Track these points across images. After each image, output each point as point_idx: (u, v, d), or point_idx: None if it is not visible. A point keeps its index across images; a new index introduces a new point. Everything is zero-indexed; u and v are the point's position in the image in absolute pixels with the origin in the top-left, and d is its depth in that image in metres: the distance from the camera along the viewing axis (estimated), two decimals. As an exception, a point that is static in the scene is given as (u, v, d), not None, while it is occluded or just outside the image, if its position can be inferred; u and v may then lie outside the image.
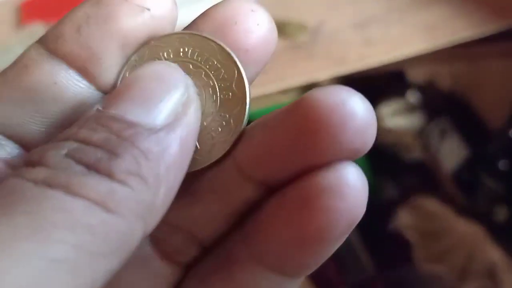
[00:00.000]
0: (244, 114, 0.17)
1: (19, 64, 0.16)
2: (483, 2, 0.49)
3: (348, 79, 0.50)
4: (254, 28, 0.16)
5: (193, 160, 0.16)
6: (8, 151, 0.16)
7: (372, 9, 0.51)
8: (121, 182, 0.13)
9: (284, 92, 0.50)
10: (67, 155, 0.13)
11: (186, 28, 0.18)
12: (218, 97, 0.17)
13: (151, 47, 0.17)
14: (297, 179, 0.15)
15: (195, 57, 0.17)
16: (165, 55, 0.17)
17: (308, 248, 0.16)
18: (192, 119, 0.15)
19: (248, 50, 0.17)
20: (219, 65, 0.17)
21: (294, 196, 0.15)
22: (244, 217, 0.17)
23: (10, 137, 0.16)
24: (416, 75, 0.64)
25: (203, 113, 0.17)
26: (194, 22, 0.17)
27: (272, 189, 0.17)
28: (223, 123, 0.17)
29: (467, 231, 0.56)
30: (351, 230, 0.15)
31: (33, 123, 0.16)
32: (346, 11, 0.52)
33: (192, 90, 0.16)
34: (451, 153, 0.62)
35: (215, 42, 0.17)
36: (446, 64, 0.61)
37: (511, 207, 0.57)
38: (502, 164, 0.57)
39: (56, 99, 0.16)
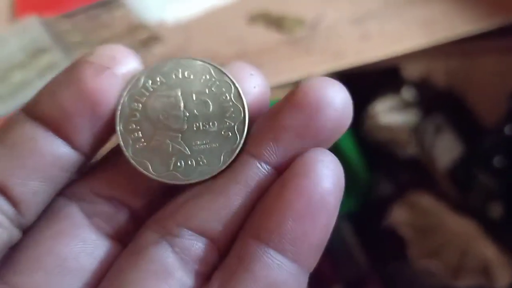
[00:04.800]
0: (245, 123, 0.19)
1: (5, 125, 0.18)
2: (480, -2, 0.50)
3: (343, 76, 0.50)
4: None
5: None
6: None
7: (369, 4, 0.51)
8: None
9: (281, 86, 0.50)
10: None
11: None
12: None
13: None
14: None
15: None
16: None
17: (304, 218, 0.17)
18: None
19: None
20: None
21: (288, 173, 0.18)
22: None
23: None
24: (411, 71, 0.64)
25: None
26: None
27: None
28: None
29: (461, 227, 0.56)
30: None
31: (15, 177, 0.18)
32: (344, 6, 0.52)
33: None
34: (446, 149, 0.62)
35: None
36: (441, 60, 0.61)
37: (506, 203, 0.57)
38: (497, 161, 0.57)
39: (33, 153, 0.17)
